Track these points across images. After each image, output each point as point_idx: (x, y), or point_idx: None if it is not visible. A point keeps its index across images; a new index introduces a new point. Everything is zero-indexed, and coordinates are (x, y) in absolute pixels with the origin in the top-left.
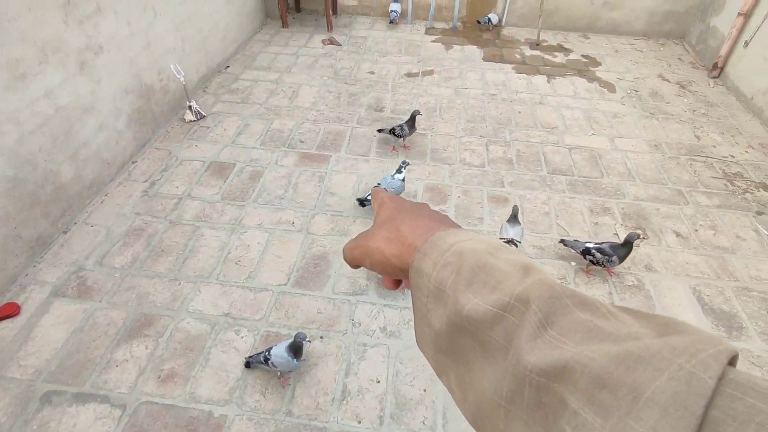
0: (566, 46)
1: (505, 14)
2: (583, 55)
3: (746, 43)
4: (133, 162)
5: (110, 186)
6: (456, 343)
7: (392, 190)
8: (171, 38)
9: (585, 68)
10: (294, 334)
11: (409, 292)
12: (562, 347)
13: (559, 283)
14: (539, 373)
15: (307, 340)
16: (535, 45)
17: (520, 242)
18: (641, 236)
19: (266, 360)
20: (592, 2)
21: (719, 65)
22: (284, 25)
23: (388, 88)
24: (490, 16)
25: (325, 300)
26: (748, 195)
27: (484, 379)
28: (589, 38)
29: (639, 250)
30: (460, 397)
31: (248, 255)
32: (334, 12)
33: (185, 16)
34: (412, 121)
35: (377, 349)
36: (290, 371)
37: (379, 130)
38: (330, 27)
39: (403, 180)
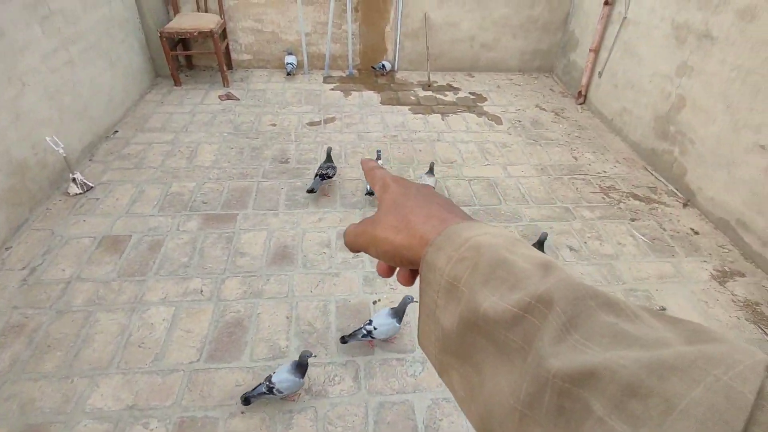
0: (455, 85)
1: (396, 60)
2: (470, 93)
3: (600, 74)
4: (6, 248)
5: None
6: (466, 343)
7: None
8: (45, 108)
9: (473, 104)
10: (209, 417)
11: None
12: (588, 352)
13: (581, 282)
14: (563, 378)
15: (313, 356)
16: (427, 86)
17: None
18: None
19: (270, 390)
20: (472, 45)
21: (583, 93)
22: (177, 83)
23: (292, 139)
24: (383, 62)
25: (243, 370)
26: (622, 204)
27: (497, 381)
28: (474, 76)
29: None
30: (463, 398)
31: (153, 335)
32: (229, 67)
33: (59, 84)
34: (330, 158)
35: (304, 414)
36: (296, 392)
37: (310, 191)
38: (226, 82)
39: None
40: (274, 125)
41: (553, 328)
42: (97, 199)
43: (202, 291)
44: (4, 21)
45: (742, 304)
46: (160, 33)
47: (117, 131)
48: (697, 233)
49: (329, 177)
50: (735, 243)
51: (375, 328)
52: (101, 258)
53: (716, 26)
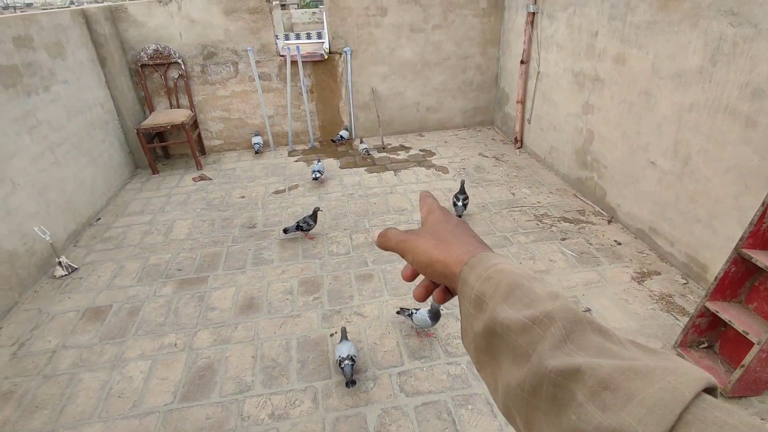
0: (406, 145)
1: (353, 130)
2: (420, 150)
3: (529, 121)
4: None
5: None
6: (490, 344)
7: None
8: (33, 204)
9: (423, 159)
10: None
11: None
12: (578, 357)
13: (582, 311)
14: (557, 373)
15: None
16: (382, 149)
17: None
18: None
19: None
20: (418, 110)
21: (518, 139)
22: (154, 172)
23: (259, 207)
24: (341, 133)
25: (213, 405)
26: (554, 228)
27: (510, 376)
28: (423, 136)
29: None
30: (492, 389)
31: (131, 386)
32: (203, 152)
33: (46, 181)
34: (314, 216)
35: None
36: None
37: (285, 230)
38: (199, 166)
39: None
40: (243, 197)
41: (553, 338)
42: (81, 278)
43: (176, 344)
44: None
45: (657, 297)
46: (137, 130)
47: (99, 218)
48: (619, 244)
49: (303, 230)
50: (652, 248)
51: (415, 311)
52: (84, 327)
53: (602, 71)
